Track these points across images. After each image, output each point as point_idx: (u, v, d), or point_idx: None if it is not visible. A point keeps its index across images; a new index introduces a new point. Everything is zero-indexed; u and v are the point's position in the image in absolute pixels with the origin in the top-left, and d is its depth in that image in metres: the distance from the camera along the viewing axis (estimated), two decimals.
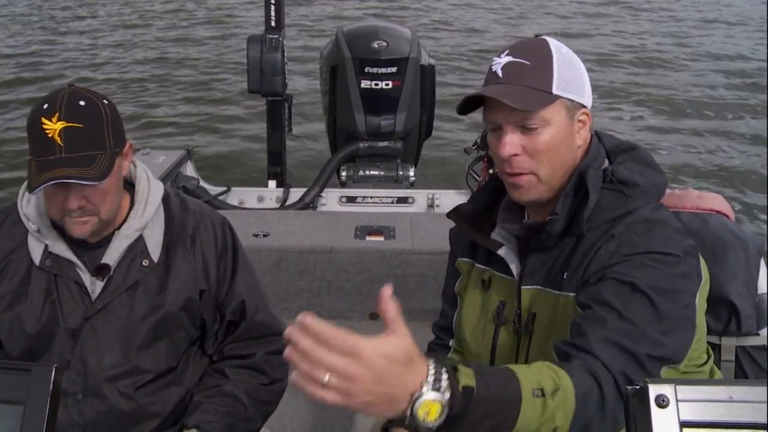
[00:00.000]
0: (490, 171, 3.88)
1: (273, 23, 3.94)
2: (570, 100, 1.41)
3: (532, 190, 1.43)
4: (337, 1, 13.46)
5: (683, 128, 7.48)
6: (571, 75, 1.41)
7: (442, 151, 6.27)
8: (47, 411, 0.84)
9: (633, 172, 1.42)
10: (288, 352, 0.96)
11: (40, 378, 0.86)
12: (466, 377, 1.03)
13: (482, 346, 1.57)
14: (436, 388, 0.99)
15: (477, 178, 3.99)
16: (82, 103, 1.53)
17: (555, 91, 1.39)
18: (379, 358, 0.94)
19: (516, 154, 1.40)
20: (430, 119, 4.23)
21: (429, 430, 0.99)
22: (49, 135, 1.50)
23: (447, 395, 0.99)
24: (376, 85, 3.89)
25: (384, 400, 0.97)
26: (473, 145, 3.95)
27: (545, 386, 1.10)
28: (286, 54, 3.99)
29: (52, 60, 9.61)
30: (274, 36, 3.91)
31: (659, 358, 1.25)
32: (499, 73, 1.41)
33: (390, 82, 3.89)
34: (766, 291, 1.64)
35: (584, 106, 1.44)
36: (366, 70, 3.87)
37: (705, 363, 1.49)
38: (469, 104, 1.44)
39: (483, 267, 1.59)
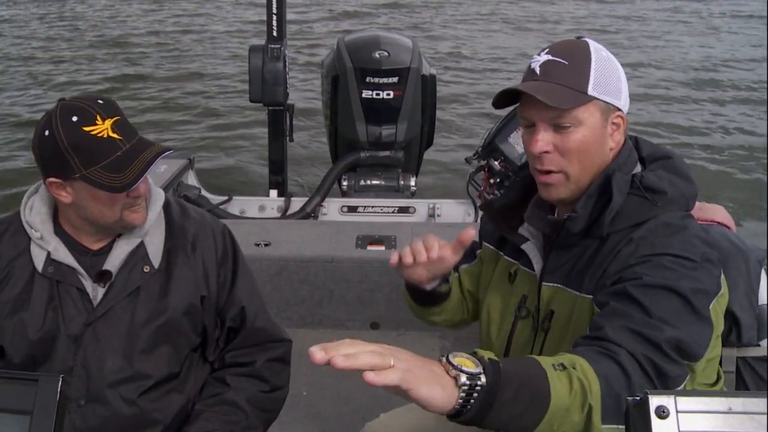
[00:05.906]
0: (491, 181, 3.89)
1: (275, 33, 3.96)
2: (605, 102, 1.41)
3: (561, 188, 1.45)
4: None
5: (685, 139, 7.49)
6: (608, 78, 1.42)
7: (444, 160, 6.28)
8: (54, 421, 0.84)
9: (662, 180, 1.42)
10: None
11: (47, 388, 0.87)
12: (488, 354, 1.06)
13: (499, 336, 1.59)
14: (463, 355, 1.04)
15: (478, 187, 3.99)
16: (100, 101, 1.57)
17: (590, 92, 1.39)
18: None
19: (547, 152, 1.42)
20: (431, 129, 4.25)
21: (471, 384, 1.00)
22: (104, 135, 1.53)
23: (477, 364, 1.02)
24: (378, 94, 3.90)
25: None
26: (474, 155, 3.96)
27: (564, 362, 1.11)
28: (287, 63, 4.01)
29: (47, 70, 9.61)
30: (276, 46, 3.93)
31: (678, 345, 1.24)
32: (537, 70, 1.42)
33: (391, 92, 3.90)
34: (766, 302, 1.65)
35: (619, 110, 1.44)
36: (367, 79, 3.88)
37: (715, 384, 1.49)
38: (504, 99, 1.45)
39: (510, 260, 1.61)
